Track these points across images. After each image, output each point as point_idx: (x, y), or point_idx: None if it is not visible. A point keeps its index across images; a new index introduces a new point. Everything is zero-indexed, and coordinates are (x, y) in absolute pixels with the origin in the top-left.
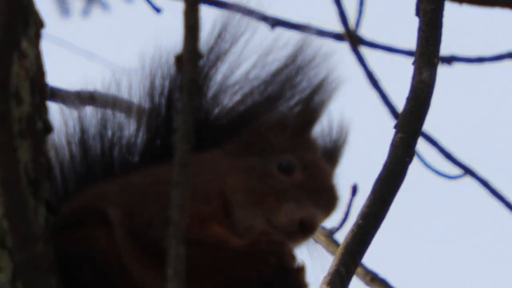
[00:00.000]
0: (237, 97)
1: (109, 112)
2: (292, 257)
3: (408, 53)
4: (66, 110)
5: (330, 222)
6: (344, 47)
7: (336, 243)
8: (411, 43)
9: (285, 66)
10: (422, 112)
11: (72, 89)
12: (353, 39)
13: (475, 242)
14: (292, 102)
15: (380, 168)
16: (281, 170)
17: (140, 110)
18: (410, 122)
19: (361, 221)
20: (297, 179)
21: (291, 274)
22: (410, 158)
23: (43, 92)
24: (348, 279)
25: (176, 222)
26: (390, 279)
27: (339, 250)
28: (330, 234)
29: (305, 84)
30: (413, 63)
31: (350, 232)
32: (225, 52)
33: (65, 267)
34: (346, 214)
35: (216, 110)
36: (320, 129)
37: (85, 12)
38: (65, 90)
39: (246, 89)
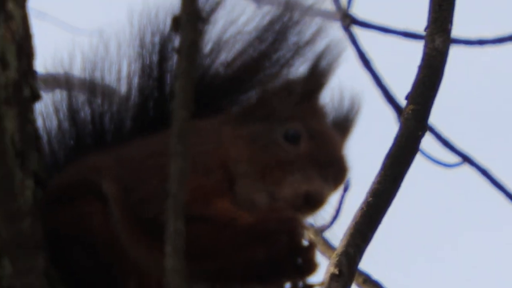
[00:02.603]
0: (233, 53)
1: (97, 77)
2: (302, 234)
3: (403, 33)
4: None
5: (319, 219)
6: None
7: (326, 242)
8: (405, 23)
9: (278, 19)
10: (435, 82)
11: (43, 72)
12: (345, 18)
13: (474, 234)
14: (289, 58)
15: (391, 142)
16: (287, 139)
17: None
18: (423, 93)
19: (371, 198)
20: (304, 149)
21: (302, 253)
22: (423, 132)
23: (30, 57)
24: (357, 261)
25: (174, 195)
26: (383, 281)
27: (348, 230)
28: (319, 232)
29: (300, 39)
30: (425, 30)
31: (359, 210)
32: (219, 5)
33: (55, 245)
34: (337, 211)
35: (212, 69)
36: (331, 99)
37: None
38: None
39: (241, 44)
